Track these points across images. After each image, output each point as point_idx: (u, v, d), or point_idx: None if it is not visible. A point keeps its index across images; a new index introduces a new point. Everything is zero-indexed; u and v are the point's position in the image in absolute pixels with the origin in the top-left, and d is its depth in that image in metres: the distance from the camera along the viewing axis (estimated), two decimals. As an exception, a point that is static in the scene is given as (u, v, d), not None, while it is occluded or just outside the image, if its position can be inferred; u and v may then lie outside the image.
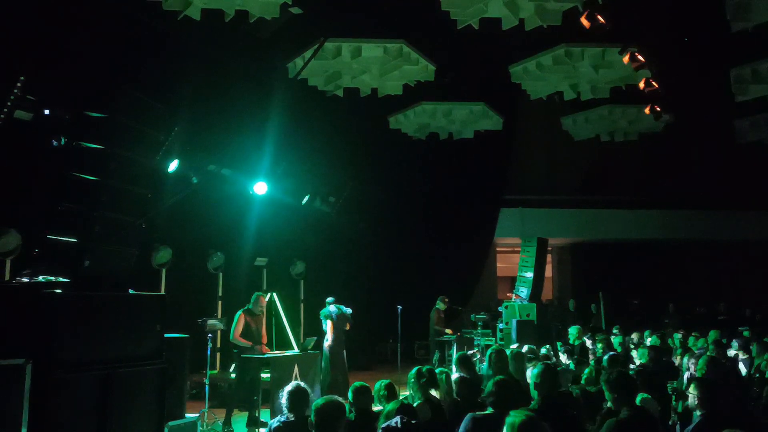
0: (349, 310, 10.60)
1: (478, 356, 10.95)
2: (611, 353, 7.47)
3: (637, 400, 4.71)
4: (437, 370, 5.54)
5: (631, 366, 7.87)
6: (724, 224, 18.14)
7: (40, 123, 7.19)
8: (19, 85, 7.03)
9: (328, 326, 10.36)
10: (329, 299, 10.53)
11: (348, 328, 10.55)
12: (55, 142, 5.83)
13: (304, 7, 9.10)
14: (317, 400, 3.88)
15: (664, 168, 19.13)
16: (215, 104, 10.41)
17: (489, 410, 4.37)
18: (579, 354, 8.13)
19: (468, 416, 4.31)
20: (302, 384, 4.59)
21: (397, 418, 4.09)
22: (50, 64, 7.37)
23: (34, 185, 7.05)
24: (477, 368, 6.30)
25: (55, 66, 7.38)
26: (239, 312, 8.76)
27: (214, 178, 10.72)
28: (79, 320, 5.22)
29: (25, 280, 5.45)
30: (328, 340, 10.34)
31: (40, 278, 5.43)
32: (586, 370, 6.06)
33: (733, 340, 10.10)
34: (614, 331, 11.57)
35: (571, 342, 9.95)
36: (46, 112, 7.14)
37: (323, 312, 10.45)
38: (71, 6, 7.57)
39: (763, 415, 6.38)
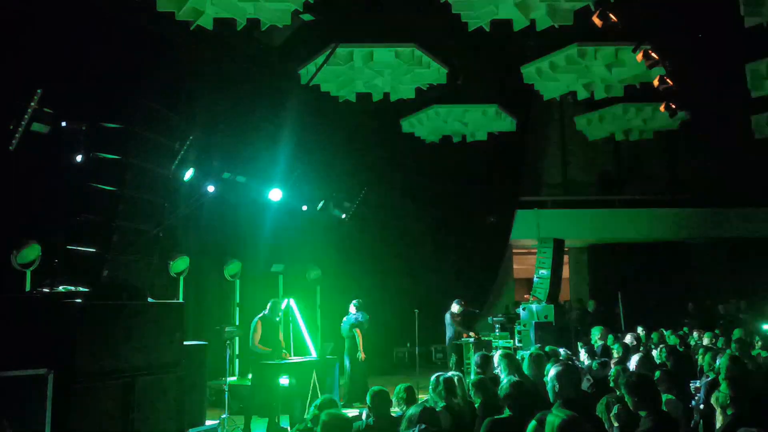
0: (366, 316, 10.61)
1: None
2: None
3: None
4: (452, 374, 5.49)
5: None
6: (744, 221, 17.91)
7: (57, 135, 7.28)
8: (36, 98, 7.12)
9: (357, 334, 10.43)
10: (355, 302, 10.53)
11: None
12: (72, 154, 5.91)
13: (314, 13, 9.13)
14: (322, 414, 3.88)
15: (680, 166, 18.91)
16: (229, 112, 10.49)
17: (506, 413, 4.34)
18: (602, 355, 8.05)
19: (486, 420, 4.28)
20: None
21: (417, 429, 4.04)
22: (66, 77, 7.46)
23: (52, 197, 7.13)
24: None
25: (71, 79, 7.46)
26: (256, 319, 8.77)
27: (229, 186, 10.79)
28: (99, 329, 5.27)
29: (45, 290, 5.52)
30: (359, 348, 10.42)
31: (60, 288, 5.49)
32: (612, 372, 5.95)
33: (756, 337, 9.97)
34: (639, 331, 11.42)
35: (593, 342, 9.86)
36: (64, 124, 7.23)
37: (349, 321, 10.49)
38: (86, 19, 7.66)
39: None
